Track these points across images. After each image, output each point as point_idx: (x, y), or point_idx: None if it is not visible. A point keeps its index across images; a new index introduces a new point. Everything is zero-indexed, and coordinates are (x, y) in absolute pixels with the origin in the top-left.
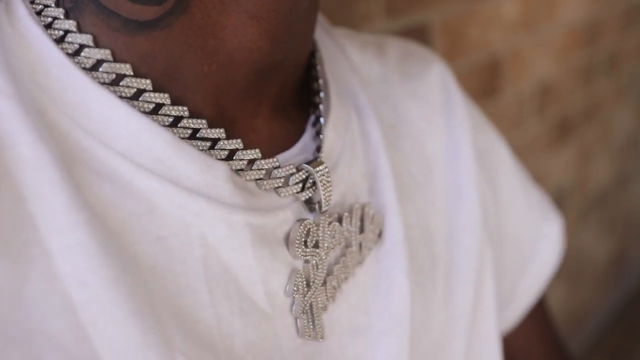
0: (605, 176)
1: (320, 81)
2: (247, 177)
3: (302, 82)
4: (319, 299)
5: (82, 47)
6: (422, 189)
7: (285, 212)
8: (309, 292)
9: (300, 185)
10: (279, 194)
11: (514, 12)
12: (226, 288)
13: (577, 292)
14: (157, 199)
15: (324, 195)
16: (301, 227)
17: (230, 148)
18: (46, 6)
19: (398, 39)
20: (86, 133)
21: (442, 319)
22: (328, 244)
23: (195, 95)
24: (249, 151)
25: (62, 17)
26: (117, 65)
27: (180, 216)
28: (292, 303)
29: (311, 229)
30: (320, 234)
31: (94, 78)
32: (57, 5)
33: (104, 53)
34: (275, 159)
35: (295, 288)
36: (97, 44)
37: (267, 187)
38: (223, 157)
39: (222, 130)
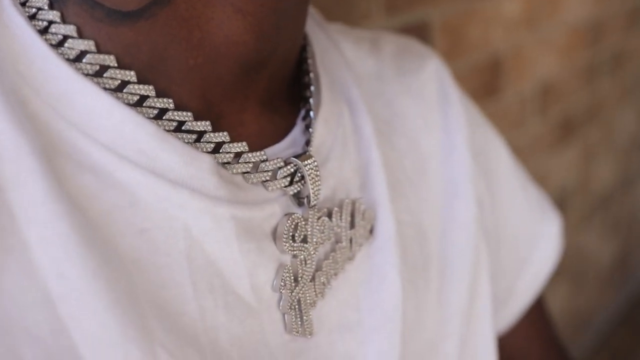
0: (608, 177)
1: (311, 75)
2: (234, 171)
3: (293, 76)
4: (307, 294)
5: (65, 37)
6: (416, 185)
7: (272, 206)
8: (297, 288)
9: (289, 179)
10: (266, 188)
11: (515, 10)
12: (210, 281)
13: (580, 294)
14: (140, 191)
15: (312, 189)
16: (289, 221)
17: (217, 141)
18: None
19: (394, 34)
20: (69, 124)
21: (436, 317)
22: (317, 239)
23: (181, 88)
24: (235, 144)
25: (46, 7)
26: (101, 56)
27: (164, 208)
28: (280, 298)
29: (299, 224)
30: (309, 229)
31: (77, 69)
32: None
33: (87, 44)
34: (262, 152)
35: (282, 283)
36: (80, 35)
37: (254, 180)
38: (209, 150)
39: (207, 122)
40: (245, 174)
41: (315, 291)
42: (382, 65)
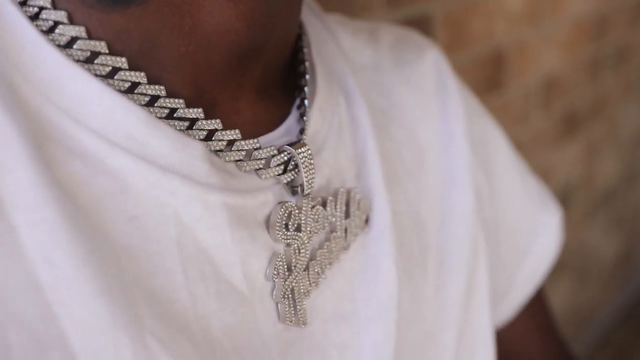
0: (612, 173)
1: (307, 64)
2: (227, 158)
3: (289, 65)
4: (301, 284)
5: (56, 24)
6: (413, 176)
7: (265, 194)
8: (290, 277)
9: (282, 167)
10: (259, 176)
11: (518, 3)
12: (202, 269)
13: (583, 290)
14: (130, 177)
15: (306, 177)
16: (282, 210)
17: (209, 128)
18: None
19: (393, 25)
20: (59, 110)
21: (433, 307)
22: (311, 228)
23: (173, 76)
24: (228, 132)
25: None
26: (92, 42)
27: (155, 195)
28: (273, 287)
29: (292, 212)
30: (303, 218)
31: (68, 55)
32: None
33: (78, 30)
34: (255, 140)
35: (275, 272)
36: (71, 21)
37: (247, 168)
38: (202, 137)
39: (200, 110)
40: (238, 162)
41: (309, 280)
42: (380, 55)
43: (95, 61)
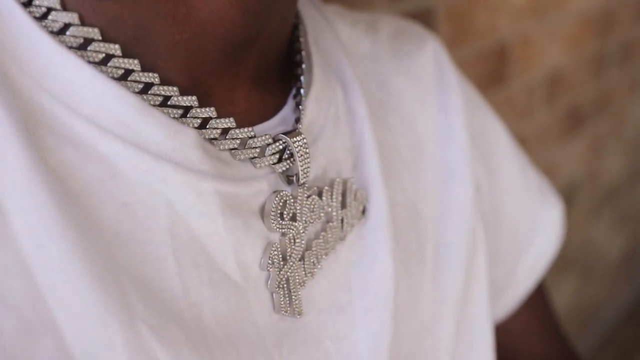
0: (618, 169)
1: (303, 53)
2: (221, 147)
3: (285, 55)
4: (296, 274)
5: (49, 10)
6: (411, 167)
7: (260, 183)
8: (285, 267)
9: (277, 156)
10: (254, 165)
11: None
12: (195, 257)
13: (588, 288)
14: (122, 164)
15: (301, 166)
16: (277, 198)
17: (203, 116)
18: None
19: (392, 16)
20: (51, 97)
21: (431, 299)
22: (306, 217)
23: (167, 64)
24: (222, 120)
25: None
26: (85, 29)
27: (147, 182)
28: (268, 277)
29: (287, 201)
30: (298, 207)
31: (61, 42)
32: None
33: (71, 16)
34: (250, 129)
35: (270, 261)
36: (64, 7)
37: (241, 157)
38: (196, 125)
39: (194, 97)
40: (233, 151)
41: (304, 271)
42: (379, 46)
43: (89, 48)
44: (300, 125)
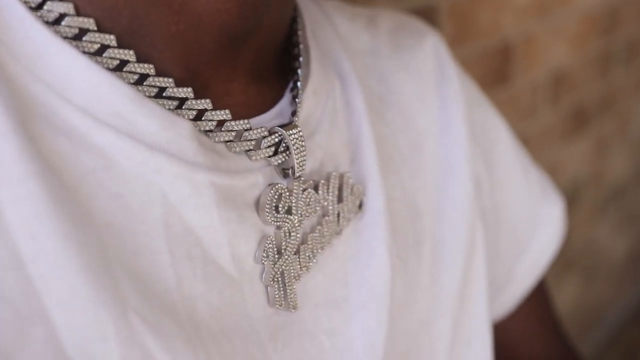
0: (623, 169)
1: (301, 46)
2: (216, 139)
3: (284, 48)
4: (291, 267)
5: (44, 0)
6: (409, 163)
7: (255, 176)
8: (280, 260)
9: (273, 149)
10: (250, 157)
11: None
12: (189, 249)
13: (592, 289)
14: (116, 154)
15: (297, 159)
16: (272, 191)
17: (199, 108)
18: None
19: (392, 12)
20: (45, 87)
21: (428, 296)
22: (302, 211)
23: (163, 55)
24: (218, 112)
25: None
26: (80, 19)
27: (141, 173)
28: (263, 270)
29: (283, 194)
30: (294, 200)
31: (56, 32)
32: None
33: (66, 6)
34: (246, 121)
35: (264, 254)
36: None
37: (237, 149)
38: (191, 117)
39: (189, 89)
40: (229, 143)
41: (299, 264)
42: (378, 41)
43: (84, 38)
44: (296, 118)
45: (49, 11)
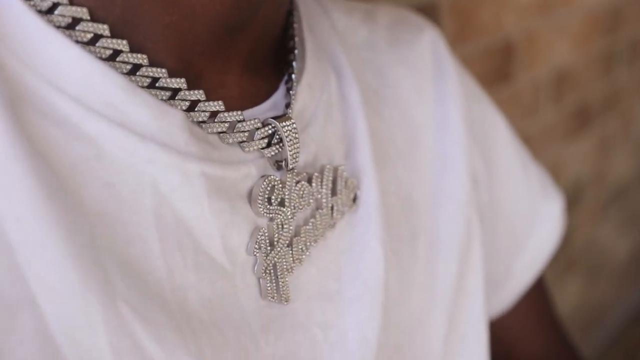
0: (625, 169)
1: (296, 39)
2: (209, 130)
3: (279, 41)
4: (284, 260)
5: None
6: (405, 158)
7: (248, 167)
8: (273, 252)
9: (266, 140)
10: (242, 149)
11: None
12: (179, 240)
13: (594, 289)
14: (107, 143)
15: (290, 152)
16: (265, 183)
17: (192, 99)
18: None
19: (390, 6)
20: (36, 75)
21: (422, 290)
22: (295, 203)
23: (156, 45)
24: (211, 103)
25: None
26: (73, 8)
27: (132, 163)
28: (255, 262)
29: (276, 186)
30: (287, 193)
31: (49, 21)
32: None
33: None
34: (239, 112)
35: (257, 246)
36: None
37: (230, 140)
38: (184, 108)
39: (182, 80)
40: (222, 134)
41: (292, 257)
42: (375, 35)
43: (77, 28)
44: (290, 111)
45: (42, 0)
